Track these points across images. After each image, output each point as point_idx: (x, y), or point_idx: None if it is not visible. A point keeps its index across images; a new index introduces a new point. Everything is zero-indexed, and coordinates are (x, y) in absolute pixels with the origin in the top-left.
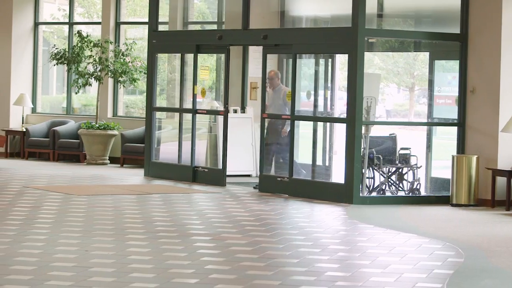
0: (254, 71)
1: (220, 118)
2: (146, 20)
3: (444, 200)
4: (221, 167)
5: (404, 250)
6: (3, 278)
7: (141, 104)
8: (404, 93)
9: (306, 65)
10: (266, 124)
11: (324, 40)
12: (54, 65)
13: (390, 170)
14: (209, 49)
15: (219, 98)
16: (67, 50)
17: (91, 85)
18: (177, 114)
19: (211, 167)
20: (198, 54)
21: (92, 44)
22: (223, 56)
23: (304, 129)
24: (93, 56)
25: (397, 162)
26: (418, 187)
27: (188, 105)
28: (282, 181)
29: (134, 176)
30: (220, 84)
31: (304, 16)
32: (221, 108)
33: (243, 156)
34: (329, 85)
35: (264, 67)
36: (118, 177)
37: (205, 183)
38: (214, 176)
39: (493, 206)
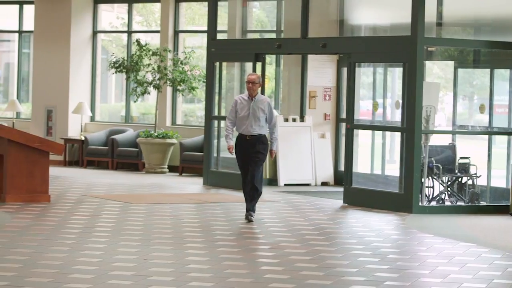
0: (313, 80)
1: (279, 127)
2: (205, 28)
3: (503, 210)
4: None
5: (464, 259)
6: (62, 287)
7: (200, 112)
8: (463, 102)
9: (365, 73)
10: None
11: (383, 48)
12: (113, 73)
13: (450, 179)
14: (263, 57)
15: (278, 107)
16: (125, 58)
17: (149, 93)
18: None
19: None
20: (257, 62)
21: (150, 52)
22: (282, 64)
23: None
24: (151, 65)
25: (456, 171)
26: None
27: None
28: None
29: (192, 184)
30: (279, 93)
31: (363, 24)
32: (280, 117)
33: (302, 165)
34: (389, 94)
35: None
36: (177, 186)
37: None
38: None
39: None
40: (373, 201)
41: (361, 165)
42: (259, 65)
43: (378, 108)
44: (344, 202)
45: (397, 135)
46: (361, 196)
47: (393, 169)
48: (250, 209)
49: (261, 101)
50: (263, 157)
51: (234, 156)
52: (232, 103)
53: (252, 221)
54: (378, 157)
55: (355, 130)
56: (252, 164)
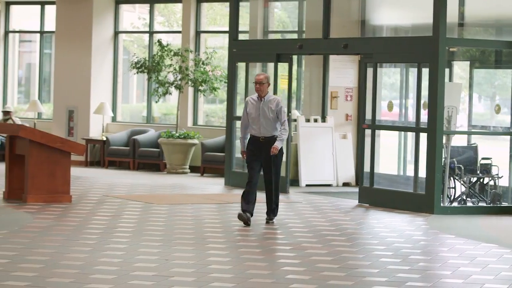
0: (335, 80)
1: (301, 128)
2: (226, 29)
3: None
4: (284, 175)
5: (485, 260)
6: (83, 287)
7: (221, 113)
8: (485, 103)
9: (387, 74)
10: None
11: (405, 49)
12: (135, 74)
13: (471, 180)
14: (289, 58)
15: (299, 107)
16: (147, 59)
17: (171, 94)
18: None
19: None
20: (279, 63)
21: (172, 53)
22: (303, 65)
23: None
24: (173, 65)
25: (478, 172)
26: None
27: None
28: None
29: (214, 185)
30: (301, 93)
31: (385, 25)
32: (302, 118)
33: (323, 165)
34: (411, 94)
35: (364, 77)
36: (198, 186)
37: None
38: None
39: None
40: (394, 201)
41: (383, 165)
42: (281, 65)
43: (393, 108)
44: (359, 202)
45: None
46: (383, 197)
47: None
48: (270, 213)
49: (271, 101)
50: (279, 161)
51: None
52: (244, 104)
53: (249, 224)
54: (400, 157)
55: (376, 131)
56: (269, 169)
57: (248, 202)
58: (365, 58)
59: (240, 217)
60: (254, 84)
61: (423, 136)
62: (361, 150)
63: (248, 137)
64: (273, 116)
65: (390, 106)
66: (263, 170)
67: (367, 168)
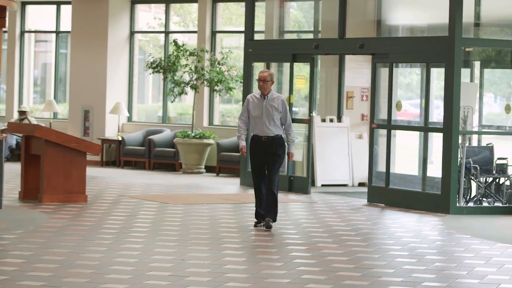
0: (351, 80)
1: (317, 128)
2: (242, 29)
3: None
4: (305, 175)
5: (501, 260)
6: (99, 287)
7: (237, 113)
8: (501, 103)
9: (402, 74)
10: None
11: (421, 49)
12: (150, 74)
13: (487, 180)
14: (305, 58)
15: (315, 107)
16: (163, 59)
17: (187, 94)
18: None
19: (298, 175)
20: (294, 63)
21: (188, 53)
22: (319, 65)
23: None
24: (189, 65)
25: (494, 172)
26: None
27: None
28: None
29: (230, 185)
30: (316, 93)
31: (401, 25)
32: (318, 118)
33: (339, 165)
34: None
35: (373, 76)
36: (214, 186)
37: (294, 191)
38: (301, 184)
39: None
40: (410, 201)
41: (398, 165)
42: (296, 65)
43: (402, 108)
44: (368, 201)
45: (435, 135)
46: (398, 197)
47: (431, 170)
48: (268, 216)
49: (275, 99)
50: (281, 160)
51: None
52: (245, 102)
53: (270, 229)
54: (415, 157)
55: (392, 131)
56: (271, 168)
57: (260, 206)
58: (376, 58)
59: (256, 224)
60: (257, 81)
61: (437, 136)
62: (370, 149)
63: (245, 133)
64: (277, 115)
65: (399, 106)
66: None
67: (376, 168)
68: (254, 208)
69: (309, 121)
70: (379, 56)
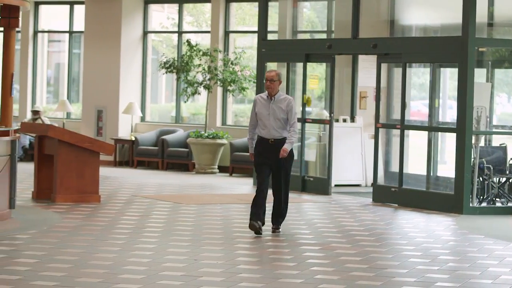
0: (364, 80)
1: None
2: (255, 29)
3: None
4: (326, 176)
5: None
6: (112, 287)
7: (250, 113)
8: None
9: (416, 74)
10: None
11: (434, 49)
12: (163, 74)
13: (500, 180)
14: (318, 58)
15: (328, 108)
16: (176, 59)
17: (200, 94)
18: None
19: (317, 176)
20: (307, 63)
21: (201, 53)
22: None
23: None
24: (202, 65)
25: (507, 172)
26: None
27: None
28: (390, 191)
29: (243, 185)
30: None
31: (414, 25)
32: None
33: (352, 165)
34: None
35: (378, 76)
36: (227, 186)
37: (312, 192)
38: (320, 185)
39: None
40: (423, 201)
41: (412, 165)
42: (309, 65)
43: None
44: (373, 201)
45: (448, 135)
46: (411, 197)
47: (444, 170)
48: (274, 223)
49: (282, 100)
50: (288, 165)
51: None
52: (252, 104)
53: (261, 233)
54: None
55: (405, 131)
56: (279, 173)
57: (258, 210)
58: (380, 58)
59: (251, 227)
60: (264, 81)
61: (451, 136)
62: (375, 149)
63: (256, 138)
64: (284, 117)
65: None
66: (272, 174)
67: (389, 168)
68: (267, 208)
69: (329, 122)
70: (392, 56)
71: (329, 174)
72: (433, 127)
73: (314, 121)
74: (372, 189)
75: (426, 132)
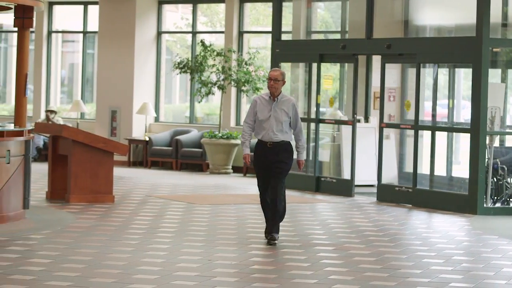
0: (378, 81)
1: (344, 128)
2: (269, 29)
3: None
4: (349, 177)
5: None
6: (126, 287)
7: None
8: None
9: (429, 74)
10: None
11: (448, 49)
12: (177, 74)
13: None
14: (332, 58)
15: (342, 108)
16: (190, 59)
17: (214, 94)
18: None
19: (339, 177)
20: (322, 63)
21: (215, 53)
22: (346, 65)
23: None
24: (216, 65)
25: None
26: None
27: (311, 114)
28: (401, 191)
29: (257, 185)
30: (344, 94)
31: (428, 25)
32: (345, 118)
33: (366, 166)
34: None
35: (382, 76)
36: (241, 187)
37: (331, 193)
38: (342, 186)
39: None
40: (437, 202)
41: (425, 166)
42: (323, 65)
43: (410, 108)
44: (377, 200)
45: (462, 136)
46: (425, 197)
47: (458, 170)
48: (272, 230)
49: (285, 102)
50: (286, 167)
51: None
52: (251, 103)
53: (275, 244)
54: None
55: (419, 131)
56: (274, 176)
57: (269, 219)
58: (384, 58)
59: (267, 242)
60: (268, 80)
61: (465, 137)
62: (379, 148)
63: (251, 140)
64: (287, 120)
65: (407, 105)
66: (269, 179)
67: (403, 168)
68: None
69: (352, 123)
70: (406, 57)
71: (353, 176)
72: (448, 128)
73: (337, 122)
74: (376, 188)
75: (440, 132)
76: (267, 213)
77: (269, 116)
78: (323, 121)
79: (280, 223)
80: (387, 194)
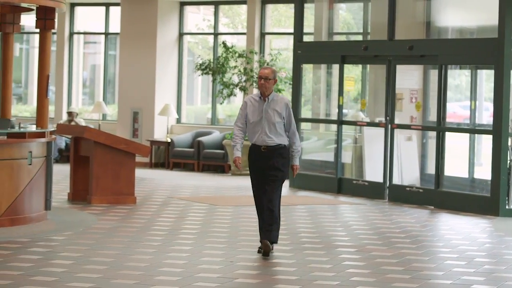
0: (400, 82)
1: (366, 129)
2: (291, 30)
3: None
4: (382, 181)
5: None
6: None
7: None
8: None
9: (451, 75)
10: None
11: (470, 50)
12: (199, 75)
13: None
14: (354, 59)
15: (364, 109)
16: (212, 60)
17: (236, 95)
18: (322, 125)
19: (371, 180)
20: (344, 64)
21: (237, 54)
22: (368, 66)
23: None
24: (238, 67)
25: None
26: None
27: (333, 116)
28: (420, 192)
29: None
30: (365, 95)
31: (450, 26)
32: (367, 119)
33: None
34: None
35: (393, 77)
36: None
37: (366, 196)
38: (374, 189)
39: None
40: (459, 204)
41: (449, 167)
42: (346, 67)
43: (421, 109)
44: (388, 200)
45: (484, 137)
46: (448, 199)
47: (481, 172)
48: (267, 238)
49: (277, 102)
50: (282, 175)
51: (254, 168)
52: (242, 104)
53: (268, 256)
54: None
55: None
56: (269, 184)
57: (263, 229)
58: (396, 60)
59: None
60: (258, 79)
61: (487, 138)
62: (390, 150)
63: (242, 143)
64: (280, 121)
65: (417, 106)
66: (265, 185)
67: (425, 170)
68: (303, 210)
69: (385, 125)
70: (428, 58)
71: (386, 178)
72: (469, 129)
73: (369, 124)
74: (388, 189)
75: (462, 134)
76: (263, 219)
77: (260, 118)
78: (354, 123)
79: (301, 225)
80: (401, 195)
